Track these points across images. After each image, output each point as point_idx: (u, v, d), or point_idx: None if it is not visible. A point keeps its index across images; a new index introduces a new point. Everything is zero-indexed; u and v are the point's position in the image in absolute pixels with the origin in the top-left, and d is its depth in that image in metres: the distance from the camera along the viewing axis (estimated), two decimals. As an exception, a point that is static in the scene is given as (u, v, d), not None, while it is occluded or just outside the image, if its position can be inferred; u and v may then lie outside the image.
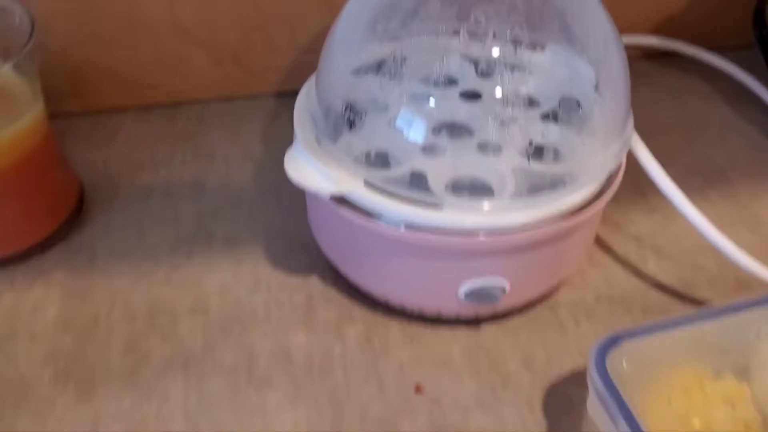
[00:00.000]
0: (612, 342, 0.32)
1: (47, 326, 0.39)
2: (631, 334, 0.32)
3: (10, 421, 0.35)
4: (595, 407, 0.31)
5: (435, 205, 0.34)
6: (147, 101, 0.52)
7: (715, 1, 0.56)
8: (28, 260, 0.42)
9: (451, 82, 0.40)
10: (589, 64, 0.39)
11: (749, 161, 0.50)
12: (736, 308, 0.33)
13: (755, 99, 0.54)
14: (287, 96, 0.53)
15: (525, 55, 0.38)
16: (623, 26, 0.59)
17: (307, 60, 0.52)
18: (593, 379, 0.31)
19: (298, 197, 0.43)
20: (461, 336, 0.39)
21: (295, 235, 0.44)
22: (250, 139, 0.50)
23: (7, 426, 0.35)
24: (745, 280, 0.40)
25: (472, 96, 0.39)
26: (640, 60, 0.57)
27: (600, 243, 0.44)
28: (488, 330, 0.39)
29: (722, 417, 0.32)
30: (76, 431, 0.35)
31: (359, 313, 0.40)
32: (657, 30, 0.56)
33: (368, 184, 0.35)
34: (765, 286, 0.38)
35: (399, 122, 0.36)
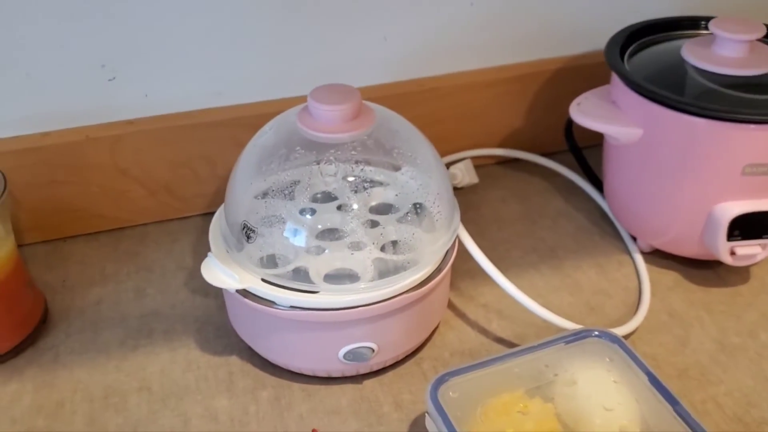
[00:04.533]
0: (442, 379, 0.44)
1: (23, 412, 0.50)
2: (455, 372, 0.45)
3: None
4: (431, 426, 0.43)
5: (313, 292, 0.47)
6: (95, 228, 0.64)
7: (543, 116, 0.71)
8: (4, 362, 0.53)
9: (332, 198, 0.53)
10: (429, 177, 0.53)
11: (575, 240, 0.64)
12: (530, 348, 0.46)
13: (581, 192, 0.69)
14: (211, 215, 0.66)
15: (386, 173, 0.52)
16: (477, 143, 0.75)
17: (225, 187, 0.65)
18: (428, 405, 0.43)
19: (221, 295, 0.55)
20: (347, 389, 0.51)
21: (220, 325, 0.56)
22: (183, 252, 0.63)
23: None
24: (561, 329, 0.53)
25: (347, 207, 0.52)
26: (492, 166, 0.72)
27: (456, 310, 0.57)
28: (368, 383, 0.51)
29: (531, 429, 0.45)
30: (50, 487, 0.45)
31: (269, 379, 0.51)
32: (503, 143, 0.72)
33: (264, 280, 0.47)
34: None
35: (287, 232, 0.49)
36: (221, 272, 0.48)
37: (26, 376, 0.52)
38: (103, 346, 0.54)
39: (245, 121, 0.62)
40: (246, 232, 0.48)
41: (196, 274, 0.61)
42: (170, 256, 0.63)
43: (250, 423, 0.49)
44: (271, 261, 0.49)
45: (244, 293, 0.48)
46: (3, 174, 0.52)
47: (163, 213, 0.66)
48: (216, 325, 0.56)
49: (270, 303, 0.47)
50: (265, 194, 0.50)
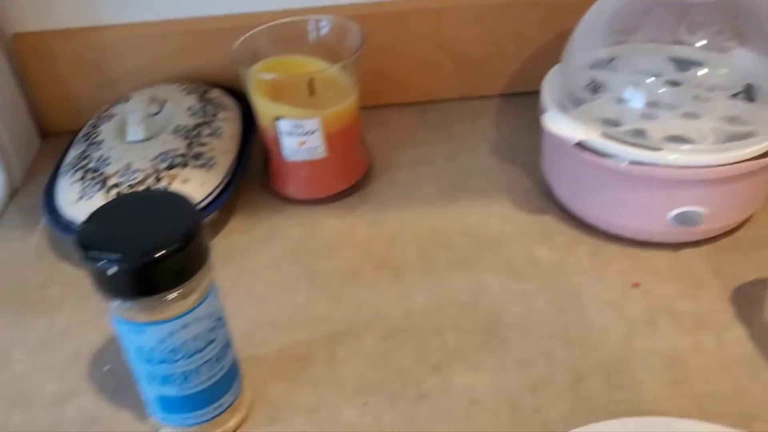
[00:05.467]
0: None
1: (362, 240, 0.56)
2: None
3: (352, 290, 0.52)
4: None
5: (653, 148, 0.48)
6: (407, 99, 0.70)
7: None
8: (339, 200, 0.59)
9: (659, 75, 0.54)
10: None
11: None
12: None
13: None
14: (510, 96, 0.70)
15: (719, 55, 0.52)
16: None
17: (528, 68, 0.68)
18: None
19: (529, 162, 0.59)
20: (665, 254, 0.52)
21: (530, 189, 0.59)
22: (486, 126, 0.66)
23: (352, 294, 0.51)
24: None
25: (675, 84, 0.53)
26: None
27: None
28: (685, 252, 0.52)
29: None
30: (393, 301, 0.51)
31: (586, 238, 0.54)
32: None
33: (604, 135, 0.49)
34: None
35: (626, 95, 0.51)
36: (564, 124, 0.50)
37: (358, 213, 0.58)
38: (424, 197, 0.59)
39: (560, 1, 0.64)
40: (592, 87, 0.50)
41: (501, 145, 0.64)
42: (475, 129, 0.66)
43: (570, 271, 0.52)
44: (609, 122, 0.51)
45: (581, 148, 0.50)
46: (363, 34, 0.57)
47: (467, 90, 0.70)
48: (526, 189, 0.59)
49: (609, 157, 0.49)
50: (611, 57, 0.52)
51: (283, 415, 0.44)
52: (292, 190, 0.59)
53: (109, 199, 0.53)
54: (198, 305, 0.38)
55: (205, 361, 0.40)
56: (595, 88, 0.51)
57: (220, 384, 0.42)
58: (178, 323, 0.38)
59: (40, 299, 0.53)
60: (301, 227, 0.58)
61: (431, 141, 0.65)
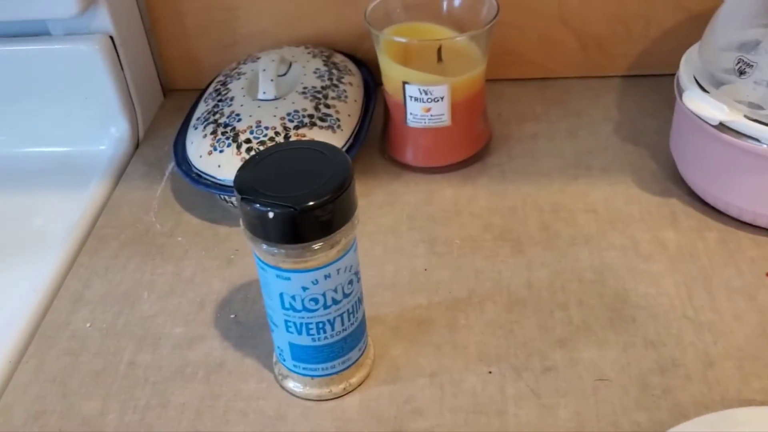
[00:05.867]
0: None
1: (481, 210, 0.55)
2: None
3: (472, 259, 0.51)
4: None
5: (802, 133, 0.46)
6: (524, 75, 0.69)
7: None
8: (458, 170, 0.59)
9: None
10: None
11: None
12: None
13: None
14: (632, 78, 0.68)
15: None
16: None
17: (655, 49, 0.66)
18: None
19: (654, 144, 0.58)
20: (801, 245, 0.50)
21: (656, 171, 0.57)
22: (608, 105, 0.65)
23: (471, 263, 0.51)
24: None
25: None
26: None
27: None
28: (823, 244, 0.50)
29: None
30: (514, 272, 0.50)
31: (714, 224, 0.52)
32: None
33: (748, 117, 0.48)
34: None
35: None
36: (707, 103, 0.49)
37: (478, 184, 0.58)
38: (545, 171, 0.59)
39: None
40: (739, 69, 0.49)
41: (624, 124, 0.63)
42: (596, 107, 0.65)
43: (699, 256, 0.50)
44: (753, 105, 0.49)
45: (722, 129, 0.48)
46: (498, 6, 0.56)
47: (588, 69, 0.68)
48: (651, 171, 0.57)
49: (752, 139, 0.47)
50: (759, 39, 0.50)
51: (405, 375, 0.45)
52: (411, 157, 0.59)
53: (240, 153, 0.54)
54: (341, 257, 0.38)
55: (341, 314, 0.40)
56: (741, 70, 0.49)
57: (350, 338, 0.42)
58: (321, 273, 0.38)
59: (166, 246, 0.55)
60: (419, 194, 0.58)
61: (550, 117, 0.64)
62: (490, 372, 0.44)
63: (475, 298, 0.49)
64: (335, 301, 0.40)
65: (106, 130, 0.64)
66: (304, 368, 0.42)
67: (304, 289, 0.39)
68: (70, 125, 0.64)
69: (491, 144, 0.61)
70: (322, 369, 0.42)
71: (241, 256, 0.54)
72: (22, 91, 0.63)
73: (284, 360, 0.43)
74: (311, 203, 0.36)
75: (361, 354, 0.44)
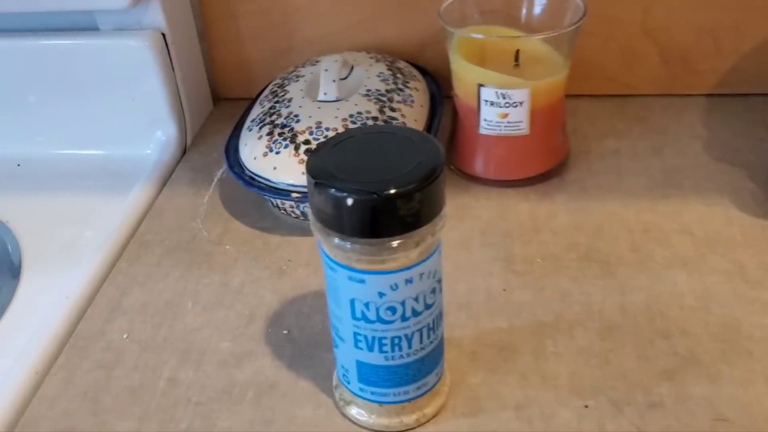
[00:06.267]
0: None
1: (562, 228, 0.50)
2: None
3: (556, 280, 0.46)
4: None
5: None
6: (600, 91, 0.63)
7: None
8: (533, 185, 0.54)
9: None
10: None
11: None
12: None
13: None
14: (717, 97, 0.62)
15: None
16: None
17: (746, 66, 0.61)
18: None
19: (749, 164, 0.53)
20: None
21: (754, 192, 0.51)
22: (693, 124, 0.59)
23: (556, 284, 0.45)
24: None
25: None
26: None
27: None
28: None
29: None
30: (606, 296, 0.44)
31: (832, 250, 0.46)
32: None
33: None
34: None
35: None
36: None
37: (557, 200, 0.52)
38: (631, 189, 0.53)
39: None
40: None
41: (713, 143, 0.57)
42: (680, 125, 0.59)
43: (818, 285, 0.44)
44: None
45: None
46: (585, 8, 0.51)
47: (670, 86, 0.63)
48: (751, 191, 0.51)
49: None
50: None
51: (487, 407, 0.39)
52: (482, 168, 0.54)
53: (298, 155, 0.49)
54: (425, 259, 0.33)
55: (420, 328, 0.35)
56: None
57: (428, 359, 0.36)
58: (401, 276, 0.33)
59: (213, 255, 0.50)
60: (491, 209, 0.52)
61: (632, 134, 0.59)
62: (585, 406, 0.38)
63: (562, 322, 0.43)
64: (415, 313, 0.34)
65: (153, 133, 0.60)
66: (372, 393, 0.37)
67: (381, 295, 0.33)
68: (115, 127, 0.60)
69: (569, 159, 0.56)
70: (394, 395, 0.37)
71: (294, 267, 0.48)
72: (66, 89, 0.59)
73: (348, 382, 0.37)
74: (397, 190, 0.30)
75: (438, 380, 0.38)
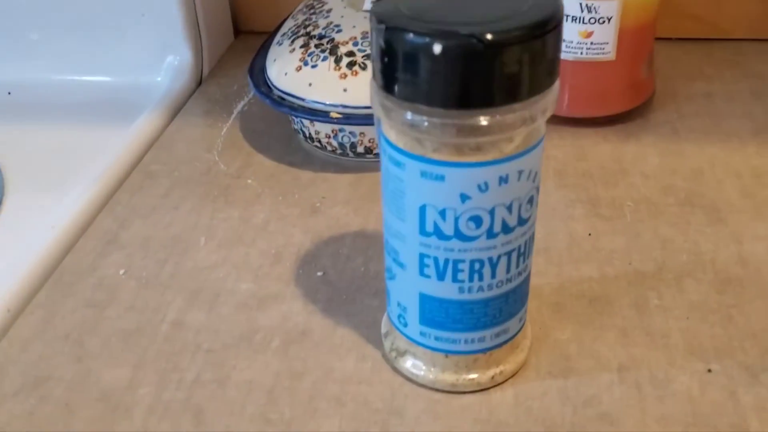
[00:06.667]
0: None
1: (654, 170, 0.41)
2: None
3: (654, 225, 0.37)
4: None
5: None
6: (684, 34, 0.55)
7: None
8: (612, 125, 0.45)
9: None
10: None
11: None
12: None
13: None
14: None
15: None
16: None
17: None
18: None
19: None
20: None
21: None
22: (797, 69, 0.51)
23: (654, 230, 0.37)
24: None
25: None
26: None
27: None
28: None
29: None
30: (718, 245, 0.36)
31: None
32: None
33: None
34: None
35: None
36: None
37: (644, 142, 0.44)
38: (733, 132, 0.44)
39: None
40: None
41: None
42: (782, 71, 0.51)
43: None
44: None
45: None
46: None
47: (763, 29, 0.54)
48: None
49: None
50: None
51: (580, 367, 0.30)
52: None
53: (340, 68, 0.40)
54: (527, 150, 0.25)
55: (510, 251, 0.26)
56: None
57: (512, 297, 0.28)
58: (494, 171, 0.24)
59: (231, 189, 0.41)
60: (566, 148, 0.44)
61: (724, 78, 0.50)
62: (709, 370, 0.30)
63: (667, 273, 0.34)
64: (506, 228, 0.26)
65: (164, 58, 0.52)
66: (436, 339, 0.28)
67: (464, 198, 0.25)
68: (121, 49, 0.52)
69: (654, 101, 0.48)
70: (465, 342, 0.28)
71: (329, 204, 0.40)
72: (67, 7, 0.51)
73: (405, 325, 0.29)
74: (504, 36, 0.22)
75: (520, 328, 0.29)
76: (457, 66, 0.22)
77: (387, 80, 0.24)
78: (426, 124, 0.23)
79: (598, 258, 0.35)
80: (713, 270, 0.34)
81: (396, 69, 0.23)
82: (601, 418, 0.28)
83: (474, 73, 0.22)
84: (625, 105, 0.45)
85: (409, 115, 0.24)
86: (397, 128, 0.24)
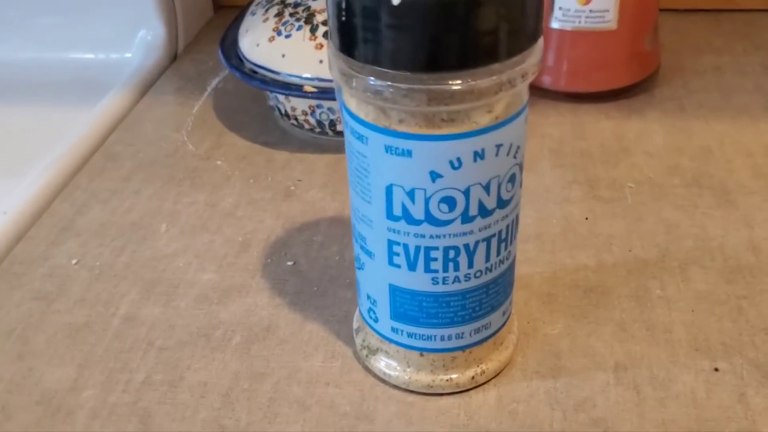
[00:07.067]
0: None
1: (658, 149, 0.38)
2: None
3: (657, 208, 0.34)
4: None
5: None
6: (690, 5, 0.52)
7: None
8: (614, 100, 0.42)
9: None
10: None
11: None
12: None
13: None
14: None
15: None
16: None
17: None
18: None
19: None
20: None
21: None
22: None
23: (657, 213, 0.34)
24: None
25: None
26: None
27: None
28: None
29: None
30: (728, 229, 0.32)
31: None
32: None
33: None
34: None
35: None
36: None
37: (649, 118, 0.41)
38: (744, 109, 0.41)
39: None
40: None
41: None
42: (795, 43, 0.48)
43: None
44: None
45: None
46: None
47: (775, -1, 0.51)
48: None
49: None
50: None
51: (572, 366, 0.27)
52: (552, 77, 0.42)
53: (315, 38, 0.37)
54: (506, 121, 0.21)
55: (489, 236, 0.23)
56: None
57: (494, 288, 0.25)
58: (468, 145, 0.21)
59: (199, 171, 0.38)
60: (563, 126, 0.40)
61: (734, 50, 0.47)
62: (716, 369, 0.26)
63: (671, 260, 0.31)
64: (483, 211, 0.23)
65: (136, 33, 0.48)
66: (410, 335, 0.25)
67: (434, 176, 0.21)
68: (89, 25, 0.49)
69: (660, 74, 0.44)
70: (441, 339, 0.25)
71: (305, 188, 0.37)
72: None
73: (376, 320, 0.26)
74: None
75: (504, 323, 0.26)
76: (425, 20, 0.19)
77: (345, 40, 0.21)
78: (390, 90, 0.20)
79: (595, 244, 0.32)
80: (722, 257, 0.31)
81: (355, 26, 0.20)
82: (594, 424, 0.25)
83: (444, 28, 0.19)
84: (627, 79, 0.42)
85: (371, 81, 0.20)
86: (359, 96, 0.21)
